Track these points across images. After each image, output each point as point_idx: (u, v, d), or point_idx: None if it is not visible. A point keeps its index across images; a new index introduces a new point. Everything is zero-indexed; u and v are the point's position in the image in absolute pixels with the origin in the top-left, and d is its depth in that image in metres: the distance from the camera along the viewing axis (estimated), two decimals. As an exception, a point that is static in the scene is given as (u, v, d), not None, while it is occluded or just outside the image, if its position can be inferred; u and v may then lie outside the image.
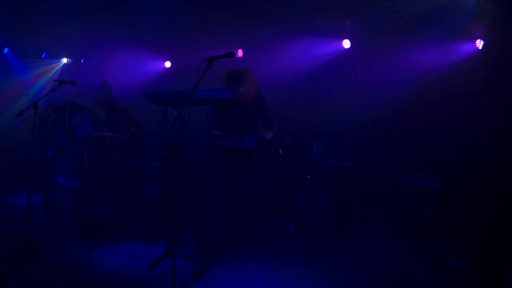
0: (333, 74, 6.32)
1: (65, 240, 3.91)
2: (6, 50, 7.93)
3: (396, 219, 4.78)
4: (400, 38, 5.31)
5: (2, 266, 3.12)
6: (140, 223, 4.06)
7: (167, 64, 8.39)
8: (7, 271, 3.02)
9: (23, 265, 3.25)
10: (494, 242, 3.30)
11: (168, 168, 4.17)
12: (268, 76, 5.41)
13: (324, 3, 5.33)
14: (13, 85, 7.87)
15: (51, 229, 4.27)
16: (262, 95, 4.15)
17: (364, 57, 5.80)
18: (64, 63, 8.27)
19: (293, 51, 6.33)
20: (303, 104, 5.98)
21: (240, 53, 6.88)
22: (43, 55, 8.10)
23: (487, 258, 3.25)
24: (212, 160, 3.58)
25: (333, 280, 3.24)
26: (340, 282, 3.22)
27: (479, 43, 5.06)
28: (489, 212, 3.63)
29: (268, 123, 4.16)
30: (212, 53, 3.00)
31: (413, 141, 5.20)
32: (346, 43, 6.10)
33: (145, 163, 4.20)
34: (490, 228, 3.50)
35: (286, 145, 5.60)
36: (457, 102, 4.77)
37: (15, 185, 6.37)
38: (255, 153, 4.06)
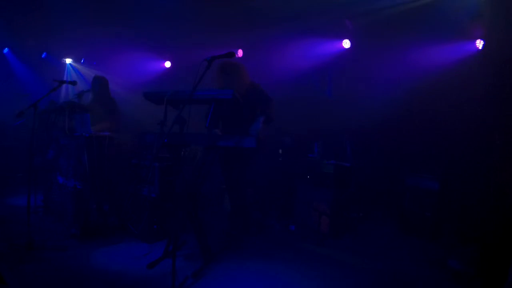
0: (333, 74, 6.33)
1: (65, 240, 3.90)
2: (6, 50, 7.94)
3: (396, 219, 4.78)
4: (400, 38, 5.31)
5: (2, 266, 3.12)
6: (140, 223, 4.06)
7: (167, 64, 8.39)
8: (7, 271, 3.02)
9: (23, 265, 3.25)
10: (494, 242, 3.29)
11: (168, 168, 4.17)
12: (268, 76, 5.42)
13: (324, 3, 5.33)
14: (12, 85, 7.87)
15: (51, 229, 4.26)
16: (257, 86, 4.06)
17: (364, 57, 5.80)
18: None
19: (293, 51, 6.34)
20: (303, 104, 5.99)
21: (240, 53, 6.89)
22: (43, 55, 8.10)
23: (487, 258, 3.25)
24: (212, 160, 3.57)
25: (333, 280, 3.24)
26: (340, 282, 3.22)
27: (479, 43, 5.06)
28: (489, 212, 3.62)
29: (266, 104, 4.00)
30: (212, 53, 3.00)
31: (413, 141, 5.20)
32: (346, 43, 6.11)
33: (145, 163, 4.20)
34: (490, 228, 3.49)
35: (286, 145, 5.60)
36: (457, 102, 4.77)
37: (15, 185, 6.37)
38: (255, 153, 4.05)
